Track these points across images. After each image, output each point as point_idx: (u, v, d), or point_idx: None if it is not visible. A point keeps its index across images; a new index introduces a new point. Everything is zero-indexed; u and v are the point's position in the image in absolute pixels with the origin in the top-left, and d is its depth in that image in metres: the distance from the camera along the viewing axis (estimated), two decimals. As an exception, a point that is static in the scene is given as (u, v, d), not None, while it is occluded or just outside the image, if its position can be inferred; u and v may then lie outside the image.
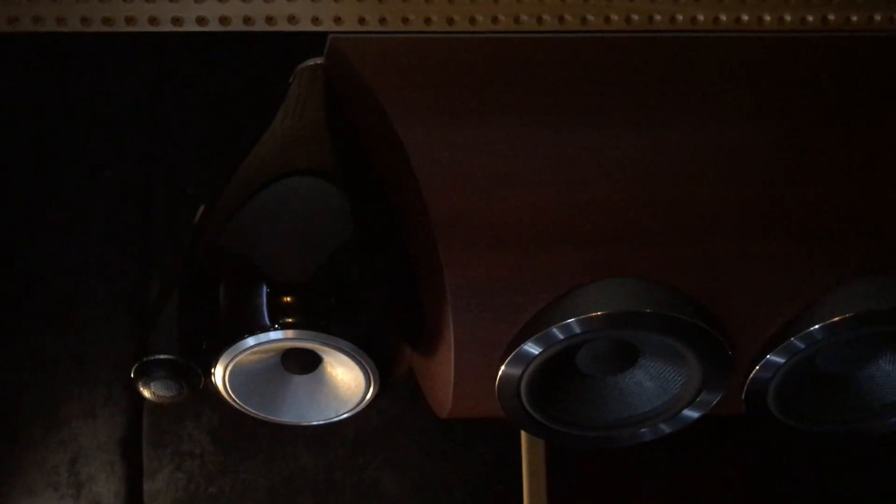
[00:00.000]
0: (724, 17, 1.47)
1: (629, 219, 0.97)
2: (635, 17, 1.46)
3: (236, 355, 0.96)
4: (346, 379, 1.00)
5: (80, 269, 1.43)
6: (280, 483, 1.41)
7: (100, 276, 1.43)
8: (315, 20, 1.45)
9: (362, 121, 1.06)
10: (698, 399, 1.01)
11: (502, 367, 0.98)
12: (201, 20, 1.44)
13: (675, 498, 1.35)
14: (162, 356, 0.97)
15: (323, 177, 1.03)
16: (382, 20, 1.45)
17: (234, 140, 1.41)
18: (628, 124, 1.00)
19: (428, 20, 1.46)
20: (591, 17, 1.46)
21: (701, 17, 1.47)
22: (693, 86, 1.03)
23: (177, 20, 1.44)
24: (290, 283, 0.95)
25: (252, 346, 0.95)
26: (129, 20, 1.44)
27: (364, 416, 1.30)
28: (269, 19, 1.45)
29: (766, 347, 0.99)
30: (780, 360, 0.99)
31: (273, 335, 0.95)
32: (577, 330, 0.96)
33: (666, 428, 1.03)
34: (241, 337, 0.95)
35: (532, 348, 0.97)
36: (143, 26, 1.44)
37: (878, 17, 1.48)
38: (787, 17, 1.48)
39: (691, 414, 1.02)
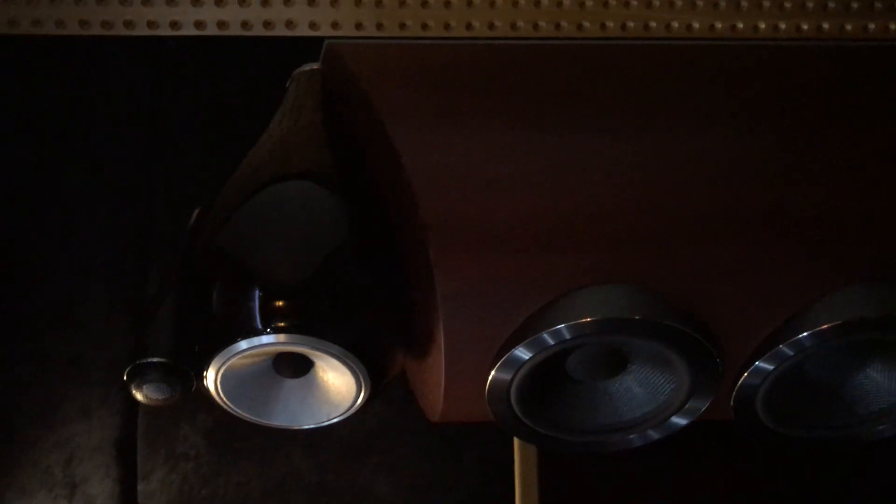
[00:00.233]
0: (719, 25, 1.48)
1: (620, 225, 0.98)
2: (631, 24, 1.47)
3: (228, 359, 0.97)
4: (337, 383, 1.00)
5: (79, 270, 1.43)
6: (274, 485, 1.41)
7: (98, 278, 1.43)
8: (312, 25, 1.46)
9: (357, 125, 1.07)
10: (687, 406, 1.01)
11: (493, 372, 0.99)
12: (199, 24, 1.45)
13: (667, 502, 1.36)
14: (154, 359, 0.97)
15: (317, 181, 1.04)
16: (379, 25, 1.46)
17: (233, 143, 1.41)
18: (620, 130, 1.01)
19: (425, 25, 1.46)
20: (586, 24, 1.47)
21: (696, 25, 1.48)
22: (685, 92, 1.04)
23: (175, 24, 1.45)
24: (283, 288, 0.96)
25: (244, 350, 0.96)
26: (128, 24, 1.44)
27: (358, 419, 1.30)
28: (267, 24, 1.46)
29: (754, 354, 1.00)
30: (769, 366, 1.00)
31: (265, 339, 0.95)
32: (568, 336, 0.96)
33: (654, 434, 1.04)
34: (234, 340, 0.96)
35: (522, 353, 0.97)
36: (142, 30, 1.44)
37: (872, 26, 1.49)
38: (783, 26, 1.48)
39: (680, 421, 1.03)
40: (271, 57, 1.45)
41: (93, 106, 1.46)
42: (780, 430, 1.05)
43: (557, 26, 1.47)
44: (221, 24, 1.45)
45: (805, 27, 1.49)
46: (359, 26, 1.46)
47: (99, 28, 1.44)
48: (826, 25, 1.49)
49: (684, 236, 0.98)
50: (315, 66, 1.14)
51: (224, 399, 1.00)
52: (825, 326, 0.97)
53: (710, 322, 0.98)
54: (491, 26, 1.47)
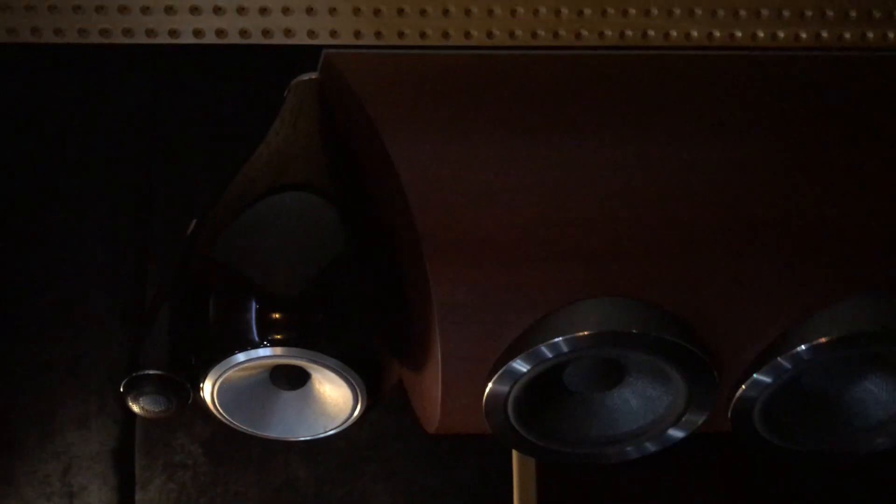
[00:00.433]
0: (717, 34, 1.48)
1: (617, 237, 0.98)
2: (629, 32, 1.47)
3: (225, 371, 0.97)
4: (334, 395, 1.00)
5: (77, 277, 1.43)
6: (271, 494, 1.41)
7: (96, 285, 1.43)
8: (311, 33, 1.46)
9: (355, 135, 1.07)
10: (684, 418, 1.01)
11: (490, 384, 0.99)
12: (198, 32, 1.45)
13: (665, 512, 1.36)
14: (151, 371, 0.97)
15: (314, 192, 1.04)
16: (378, 34, 1.46)
17: (231, 151, 1.41)
18: (618, 142, 1.01)
19: (423, 34, 1.46)
20: (585, 33, 1.47)
21: (695, 33, 1.48)
22: (682, 102, 1.04)
23: (174, 32, 1.45)
24: (280, 301, 0.96)
25: (241, 363, 0.96)
26: (126, 32, 1.44)
27: (355, 429, 1.30)
28: (266, 32, 1.46)
29: (752, 367, 1.00)
30: (767, 379, 1.00)
31: (262, 352, 0.95)
32: (565, 348, 0.96)
33: (651, 447, 1.04)
34: (231, 353, 0.96)
35: (520, 366, 0.97)
36: (140, 38, 1.44)
37: (870, 35, 1.49)
38: (781, 34, 1.48)
39: (677, 433, 1.03)
40: (269, 66, 1.45)
41: (92, 113, 1.46)
42: (778, 442, 1.05)
43: (555, 35, 1.47)
44: (220, 33, 1.45)
45: (803, 35, 1.49)
46: (357, 35, 1.46)
47: (97, 36, 1.44)
48: (825, 34, 1.49)
49: (682, 249, 0.98)
50: (313, 75, 1.14)
51: (221, 411, 1.00)
52: (823, 339, 0.97)
53: (707, 335, 0.98)
54: (489, 35, 1.47)
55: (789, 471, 1.35)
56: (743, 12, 1.48)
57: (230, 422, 1.01)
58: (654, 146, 1.01)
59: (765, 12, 1.48)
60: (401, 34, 1.46)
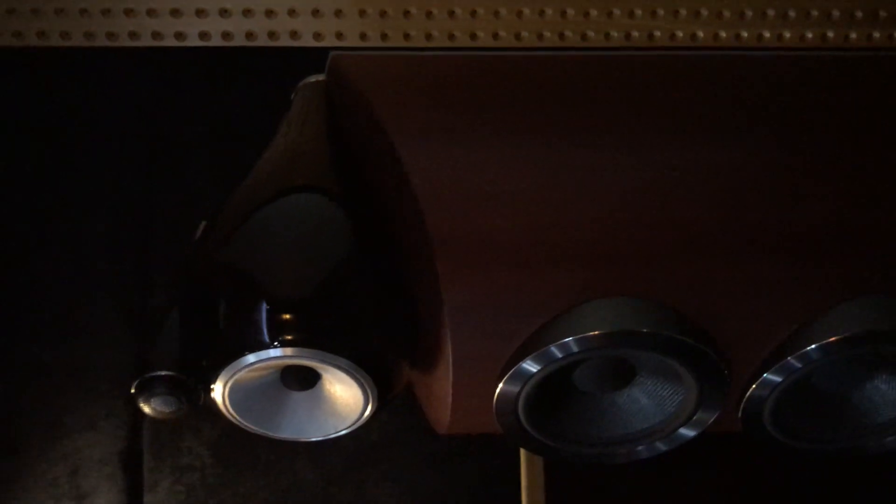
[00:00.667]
0: (723, 34, 1.48)
1: (627, 238, 0.98)
2: (635, 33, 1.47)
3: (236, 372, 0.97)
4: (344, 396, 1.00)
5: (82, 280, 1.43)
6: (279, 496, 1.41)
7: (102, 288, 1.43)
8: (317, 35, 1.46)
9: (362, 137, 1.07)
10: (695, 418, 1.01)
11: (500, 385, 0.99)
12: (204, 35, 1.45)
13: (673, 513, 1.36)
14: (162, 372, 0.97)
15: (323, 194, 1.04)
16: (384, 36, 1.46)
17: (237, 154, 1.41)
18: (627, 143, 1.01)
19: (429, 36, 1.46)
20: (591, 34, 1.47)
21: (701, 34, 1.48)
22: (689, 104, 1.04)
23: (180, 35, 1.45)
24: (290, 301, 0.96)
25: (252, 364, 0.96)
26: (133, 35, 1.44)
27: (363, 430, 1.30)
28: (272, 34, 1.46)
29: (762, 366, 1.00)
30: (777, 378, 1.00)
31: (272, 353, 0.95)
32: (575, 349, 0.96)
33: (662, 446, 1.04)
34: (241, 354, 0.96)
35: (530, 366, 0.97)
36: (147, 41, 1.45)
37: (876, 35, 1.49)
38: (786, 35, 1.48)
39: (687, 432, 1.03)
40: (275, 68, 1.45)
41: (97, 116, 1.46)
42: (788, 441, 1.05)
43: (561, 36, 1.47)
44: (226, 35, 1.45)
45: (809, 36, 1.49)
46: (363, 37, 1.46)
47: (104, 39, 1.44)
48: (830, 34, 1.49)
49: (691, 249, 0.98)
50: (320, 77, 1.14)
51: (232, 412, 1.00)
52: (833, 339, 0.97)
53: (717, 334, 0.98)
54: (495, 36, 1.47)
55: (799, 470, 1.35)
56: (749, 13, 1.48)
57: (241, 423, 1.02)
58: (663, 148, 1.01)
59: (770, 13, 1.48)
60: (406, 36, 1.46)
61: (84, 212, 1.44)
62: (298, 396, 1.02)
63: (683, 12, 1.47)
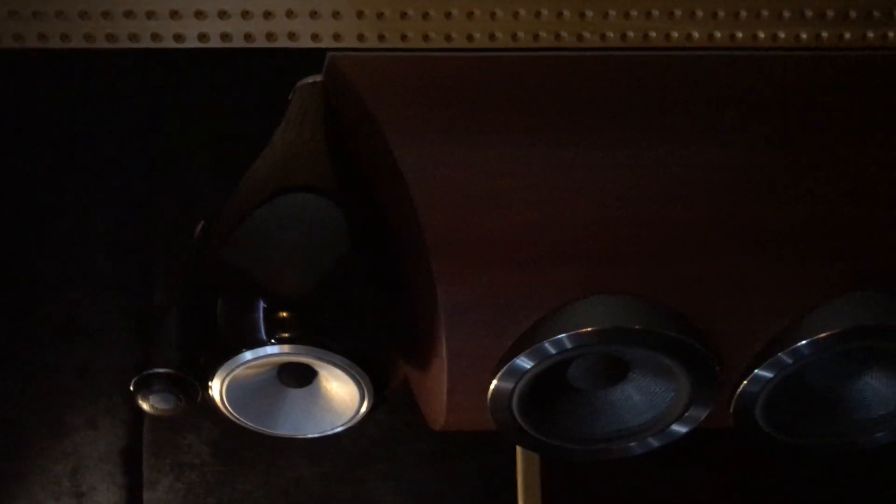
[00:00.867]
0: (718, 35, 1.49)
1: (620, 237, 0.98)
2: (631, 34, 1.48)
3: (233, 369, 0.98)
4: (340, 393, 1.01)
5: (83, 280, 1.44)
6: (278, 494, 1.42)
7: (103, 288, 1.44)
8: (315, 37, 1.47)
9: (360, 137, 1.08)
10: (687, 414, 1.02)
11: (494, 381, 0.99)
12: (203, 37, 1.46)
13: (669, 510, 1.36)
14: (161, 370, 0.98)
15: (319, 193, 1.05)
16: (381, 37, 1.47)
17: (235, 154, 1.42)
18: (622, 143, 1.01)
19: (426, 37, 1.47)
20: (587, 35, 1.48)
21: (696, 35, 1.49)
22: (683, 104, 1.04)
23: (179, 37, 1.46)
24: (287, 299, 0.97)
25: (249, 361, 0.97)
26: (132, 37, 1.45)
27: (362, 428, 1.31)
28: (270, 36, 1.47)
29: (754, 362, 1.00)
30: (768, 374, 1.00)
31: (269, 350, 0.96)
32: (569, 345, 0.97)
33: (654, 442, 1.04)
34: (239, 351, 0.97)
35: (524, 363, 0.98)
36: (146, 43, 1.45)
37: (871, 35, 1.49)
38: (781, 35, 1.49)
39: (680, 429, 1.03)
40: (274, 69, 1.46)
41: (97, 118, 1.47)
42: (780, 437, 1.06)
43: (557, 37, 1.48)
44: (224, 37, 1.46)
45: (804, 36, 1.49)
46: (361, 38, 1.47)
47: (104, 41, 1.45)
48: (825, 34, 1.50)
49: (684, 247, 0.98)
50: (318, 78, 1.15)
51: (229, 409, 1.01)
52: (823, 335, 0.98)
53: (709, 331, 0.99)
54: (492, 37, 1.47)
55: (791, 465, 1.35)
56: (743, 13, 1.49)
57: (239, 420, 1.02)
58: (656, 147, 1.01)
59: (765, 13, 1.49)
60: (404, 37, 1.47)
61: (85, 212, 1.45)
62: (295, 393, 1.03)
63: (679, 13, 1.48)
